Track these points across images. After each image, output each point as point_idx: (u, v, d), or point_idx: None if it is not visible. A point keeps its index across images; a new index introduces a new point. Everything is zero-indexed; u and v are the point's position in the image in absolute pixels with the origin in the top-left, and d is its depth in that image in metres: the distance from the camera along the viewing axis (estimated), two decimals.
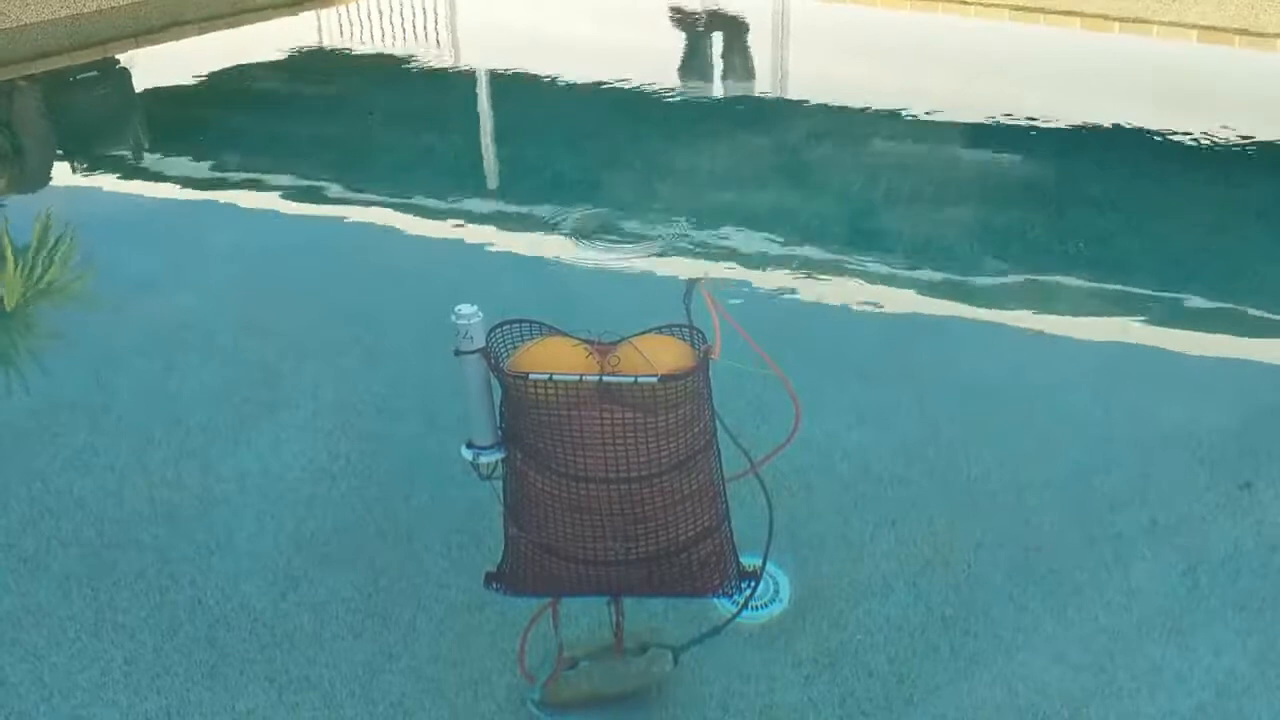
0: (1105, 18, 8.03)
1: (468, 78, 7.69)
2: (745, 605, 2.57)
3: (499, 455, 2.37)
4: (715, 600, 2.60)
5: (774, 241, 4.96)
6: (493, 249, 5.01)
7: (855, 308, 4.46)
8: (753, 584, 2.51)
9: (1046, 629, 2.83)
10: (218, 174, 5.84)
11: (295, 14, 9.26)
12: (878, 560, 3.05)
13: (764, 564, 2.51)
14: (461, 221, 5.31)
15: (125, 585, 3.02)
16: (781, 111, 7.03)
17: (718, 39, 8.94)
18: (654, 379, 2.15)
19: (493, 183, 5.96)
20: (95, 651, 2.81)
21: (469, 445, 2.37)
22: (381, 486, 3.39)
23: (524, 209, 5.41)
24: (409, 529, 3.21)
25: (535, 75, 7.43)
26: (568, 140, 6.32)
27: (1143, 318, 4.33)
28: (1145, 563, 3.03)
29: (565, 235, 5.00)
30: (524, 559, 2.43)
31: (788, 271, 4.71)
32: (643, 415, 2.19)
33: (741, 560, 2.48)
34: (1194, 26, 7.81)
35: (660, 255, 4.79)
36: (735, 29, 9.14)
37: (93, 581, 3.04)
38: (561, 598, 2.54)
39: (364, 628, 2.87)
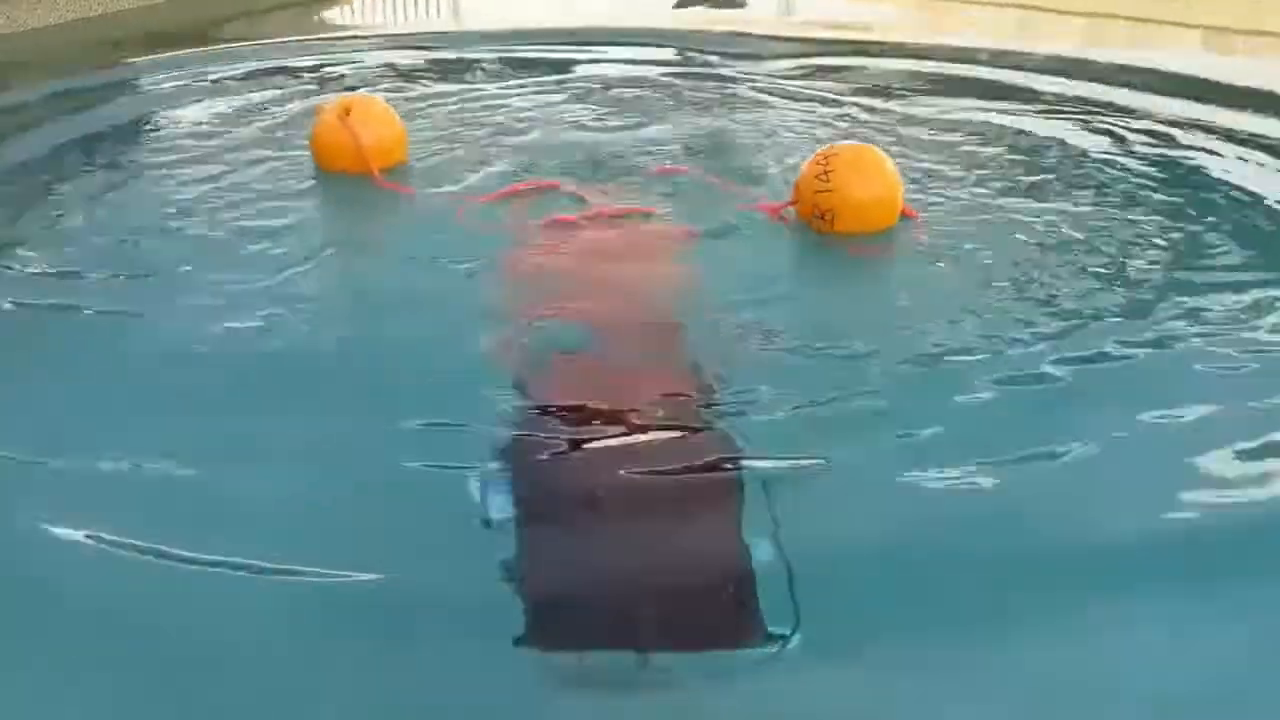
0: None
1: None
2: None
3: (510, 512, 2.41)
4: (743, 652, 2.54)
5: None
6: None
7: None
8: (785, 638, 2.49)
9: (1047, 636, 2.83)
10: (222, 178, 5.84)
11: (302, 18, 9.32)
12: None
13: (796, 614, 2.48)
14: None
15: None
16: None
17: None
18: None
19: None
20: None
21: (480, 497, 2.42)
22: (385, 489, 3.39)
23: None
24: (413, 533, 3.21)
25: None
26: None
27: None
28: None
29: None
30: (545, 615, 2.47)
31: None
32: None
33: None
34: None
35: None
36: None
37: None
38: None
39: (366, 633, 2.86)
